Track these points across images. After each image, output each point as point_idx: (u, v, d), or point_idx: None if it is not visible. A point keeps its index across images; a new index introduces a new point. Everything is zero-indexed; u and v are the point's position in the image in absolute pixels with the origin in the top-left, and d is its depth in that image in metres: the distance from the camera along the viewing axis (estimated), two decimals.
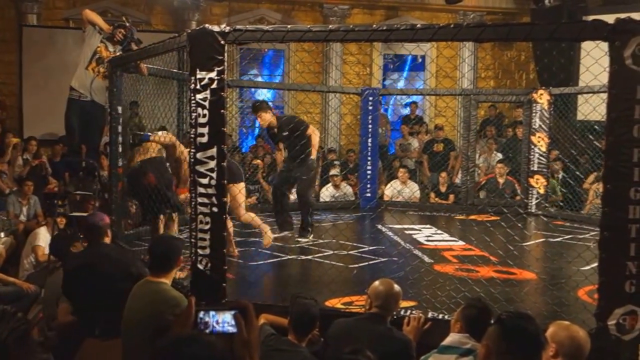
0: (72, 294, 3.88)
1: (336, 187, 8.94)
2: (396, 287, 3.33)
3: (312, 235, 6.30)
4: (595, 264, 3.51)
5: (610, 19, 3.39)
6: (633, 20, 3.34)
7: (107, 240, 4.03)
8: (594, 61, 3.71)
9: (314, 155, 6.30)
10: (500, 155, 9.39)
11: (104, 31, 5.94)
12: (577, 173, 7.97)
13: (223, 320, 1.83)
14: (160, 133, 5.54)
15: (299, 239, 6.22)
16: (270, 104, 7.16)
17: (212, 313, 1.84)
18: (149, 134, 5.24)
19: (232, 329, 1.83)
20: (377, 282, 3.36)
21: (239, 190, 5.46)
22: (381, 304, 3.24)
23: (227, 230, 4.81)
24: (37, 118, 10.24)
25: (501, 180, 8.80)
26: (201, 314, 1.84)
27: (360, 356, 2.27)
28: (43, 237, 6.03)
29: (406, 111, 11.57)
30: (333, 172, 9.07)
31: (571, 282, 4.51)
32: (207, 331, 1.82)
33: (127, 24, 5.96)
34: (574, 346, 2.69)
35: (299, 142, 6.07)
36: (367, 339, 2.98)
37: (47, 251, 5.78)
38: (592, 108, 4.56)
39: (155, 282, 3.20)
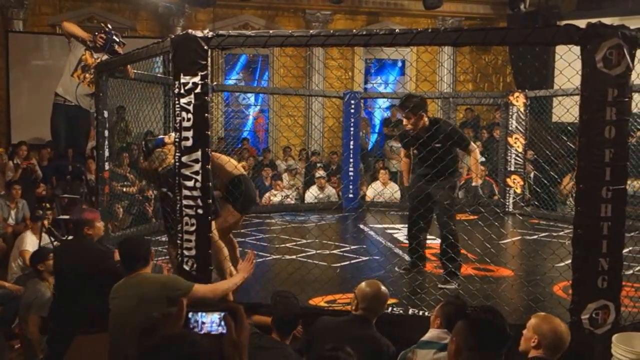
0: (56, 279, 4.16)
1: (321, 188, 9.06)
2: (383, 289, 3.34)
3: (457, 283, 4.68)
4: (570, 261, 3.63)
5: (583, 23, 3.49)
6: (604, 25, 3.46)
7: (92, 233, 4.16)
8: (567, 64, 3.81)
9: (478, 181, 5.28)
10: None
11: (85, 39, 5.98)
12: (552, 173, 8.15)
13: (212, 321, 1.86)
14: (173, 134, 4.47)
15: (443, 286, 4.66)
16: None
17: (201, 314, 1.87)
18: (162, 137, 4.68)
19: (221, 330, 1.86)
20: (364, 284, 3.36)
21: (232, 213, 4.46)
22: (367, 306, 3.27)
23: (235, 250, 4.74)
24: (25, 123, 10.25)
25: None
26: (191, 315, 1.89)
27: (341, 353, 2.30)
28: (30, 241, 6.04)
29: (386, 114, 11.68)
30: (319, 174, 9.18)
31: (546, 279, 4.62)
32: (197, 331, 1.86)
33: (107, 28, 6.01)
34: (555, 338, 2.79)
35: (447, 155, 4.70)
36: (350, 341, 3.00)
37: None
38: (566, 110, 4.69)
39: (138, 274, 3.26)
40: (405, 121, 4.83)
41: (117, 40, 5.94)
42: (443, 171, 4.69)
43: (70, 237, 4.93)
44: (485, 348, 2.25)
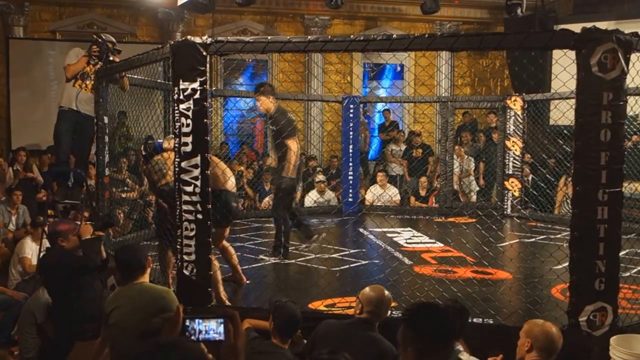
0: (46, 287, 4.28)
1: (321, 192, 9.08)
2: (387, 293, 3.37)
3: (280, 257, 5.62)
4: (567, 263, 3.65)
5: (579, 27, 3.52)
6: (599, 30, 3.49)
7: (66, 245, 4.16)
8: (563, 69, 3.84)
9: (287, 173, 5.46)
10: (472, 160, 9.60)
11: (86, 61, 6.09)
12: (548, 176, 8.19)
13: (209, 328, 1.89)
14: (171, 136, 4.46)
15: (264, 256, 5.72)
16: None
17: (198, 321, 1.90)
18: (160, 141, 4.67)
19: (217, 337, 1.87)
20: (368, 288, 3.38)
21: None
22: (371, 310, 3.29)
23: (231, 257, 4.81)
24: (25, 129, 10.28)
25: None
26: (187, 322, 1.90)
27: (339, 357, 2.29)
28: (29, 248, 6.05)
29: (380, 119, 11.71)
30: (319, 178, 9.21)
31: (544, 281, 4.64)
32: (194, 338, 1.87)
33: (100, 40, 6.08)
34: (547, 341, 2.82)
35: (282, 147, 5.42)
36: (355, 344, 3.04)
37: (34, 262, 5.81)
38: (562, 113, 4.72)
39: (137, 283, 3.26)
40: (257, 103, 5.61)
41: (111, 48, 6.00)
42: (279, 160, 5.43)
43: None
44: (434, 342, 2.13)
